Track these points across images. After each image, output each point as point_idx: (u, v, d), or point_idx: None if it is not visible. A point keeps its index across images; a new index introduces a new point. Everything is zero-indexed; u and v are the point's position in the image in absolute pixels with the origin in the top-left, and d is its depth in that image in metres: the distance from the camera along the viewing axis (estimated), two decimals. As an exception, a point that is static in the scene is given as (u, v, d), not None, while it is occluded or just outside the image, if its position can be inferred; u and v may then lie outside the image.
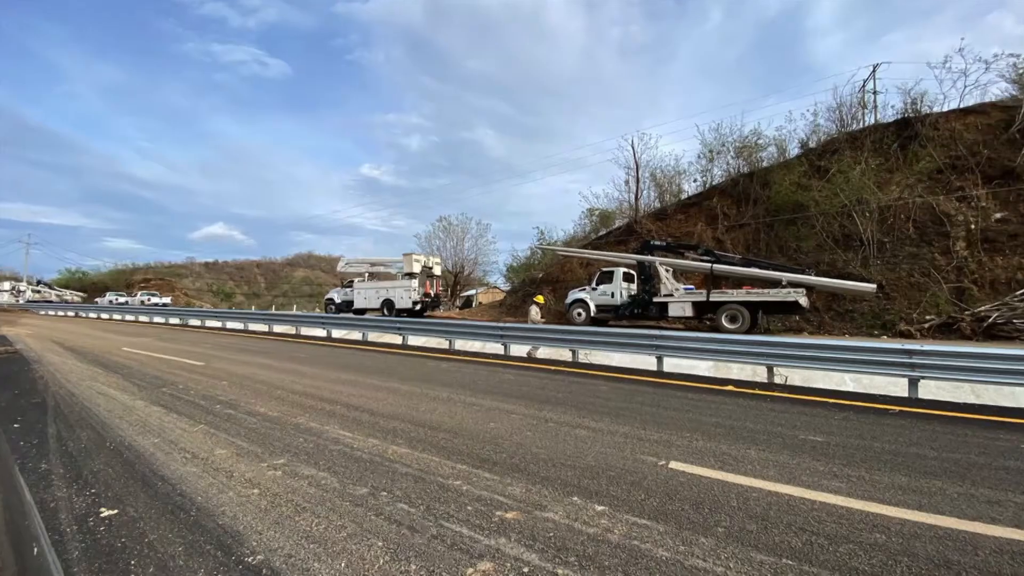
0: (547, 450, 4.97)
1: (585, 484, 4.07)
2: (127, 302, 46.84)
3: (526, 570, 2.82)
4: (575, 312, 21.39)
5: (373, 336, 18.33)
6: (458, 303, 45.87)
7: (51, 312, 41.95)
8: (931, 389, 8.49)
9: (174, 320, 29.98)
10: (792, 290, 16.82)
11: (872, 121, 26.00)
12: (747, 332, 16.65)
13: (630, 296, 20.75)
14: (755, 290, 17.77)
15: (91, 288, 65.44)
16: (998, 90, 23.11)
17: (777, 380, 9.69)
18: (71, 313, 39.75)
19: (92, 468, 4.54)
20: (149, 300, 47.15)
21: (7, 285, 59.84)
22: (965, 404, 7.71)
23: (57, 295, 61.24)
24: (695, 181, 30.97)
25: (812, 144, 26.68)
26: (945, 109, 23.76)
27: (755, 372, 10.30)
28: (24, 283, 62.83)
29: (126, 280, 69.05)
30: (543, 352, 13.79)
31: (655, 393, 8.21)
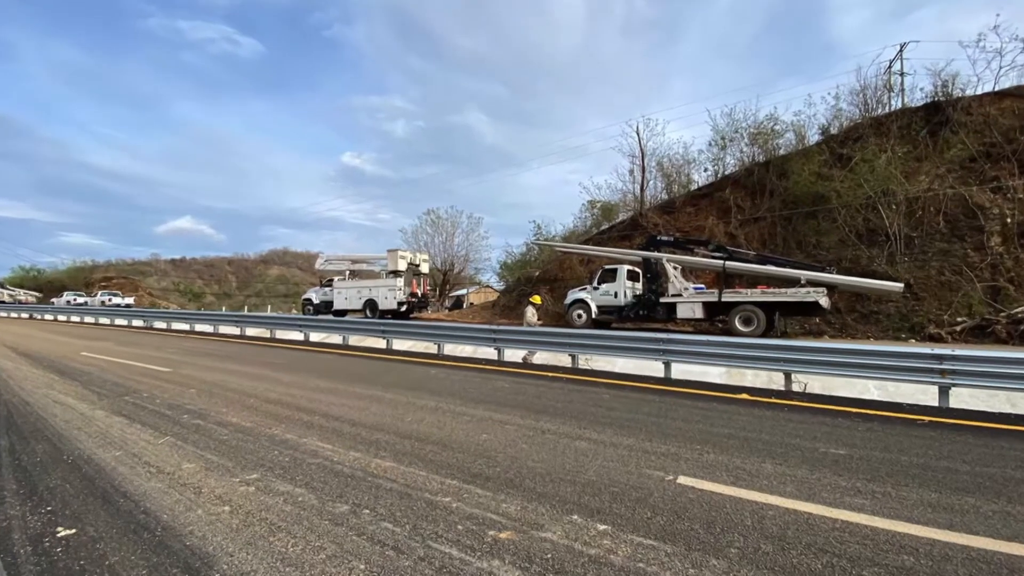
0: (544, 464, 4.97)
1: (586, 501, 4.07)
2: (86, 303, 46.56)
3: (522, 595, 2.82)
4: (575, 314, 21.41)
5: (355, 340, 18.27)
6: (447, 304, 45.87)
7: (3, 314, 41.70)
8: (963, 398, 8.53)
9: (138, 322, 29.81)
10: (812, 289, 16.85)
11: (899, 105, 26.07)
12: (762, 335, 16.69)
13: (635, 296, 20.76)
14: (771, 289, 17.80)
15: (47, 287, 64.93)
16: (1037, 71, 23.14)
17: (795, 388, 9.72)
18: (25, 315, 39.49)
19: (48, 484, 4.53)
20: (110, 301, 46.86)
21: (-46, 285, 59.48)
22: (1000, 414, 7.72)
23: (10, 295, 60.79)
24: (706, 171, 31.08)
25: (834, 130, 26.71)
26: (979, 92, 23.72)
27: (771, 379, 10.32)
28: (-27, 282, 62.42)
29: (85, 279, 68.56)
30: (540, 357, 13.79)
31: (662, 402, 8.23)
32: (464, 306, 45.26)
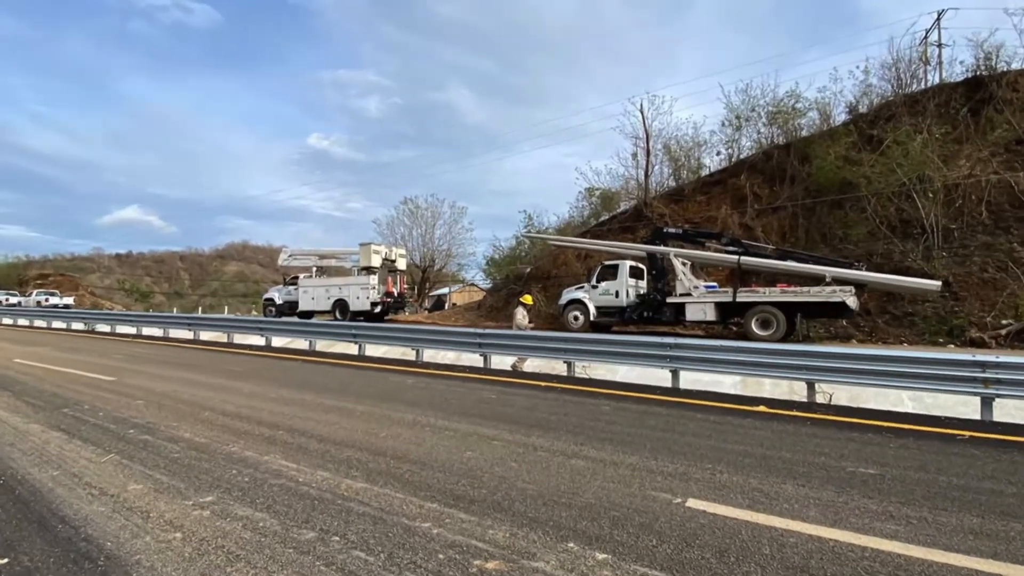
0: (536, 485, 4.98)
1: (583, 527, 4.08)
2: (20, 303, 46.28)
3: (511, 633, 2.82)
4: (571, 315, 21.43)
5: (322, 345, 18.25)
6: (427, 304, 45.80)
7: (-80, 314, 41.25)
8: (1009, 410, 8.54)
9: (78, 325, 29.70)
10: (838, 288, 16.90)
11: (936, 80, 26.16)
12: (782, 340, 16.74)
13: (638, 296, 20.81)
14: (792, 288, 17.84)
15: (-27, 286, 64.51)
16: (1092, 41, 23.20)
17: (819, 399, 9.76)
18: (-54, 316, 39.13)
19: (-27, 509, 4.49)
20: (47, 301, 46.56)
21: None
22: (1047, 427, 7.78)
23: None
24: (718, 154, 31.14)
25: (863, 109, 26.80)
26: (1026, 66, 23.89)
27: (792, 389, 10.38)
28: None
29: (18, 276, 68.12)
30: (531, 364, 13.81)
31: (669, 415, 8.26)
32: (446, 307, 45.18)
